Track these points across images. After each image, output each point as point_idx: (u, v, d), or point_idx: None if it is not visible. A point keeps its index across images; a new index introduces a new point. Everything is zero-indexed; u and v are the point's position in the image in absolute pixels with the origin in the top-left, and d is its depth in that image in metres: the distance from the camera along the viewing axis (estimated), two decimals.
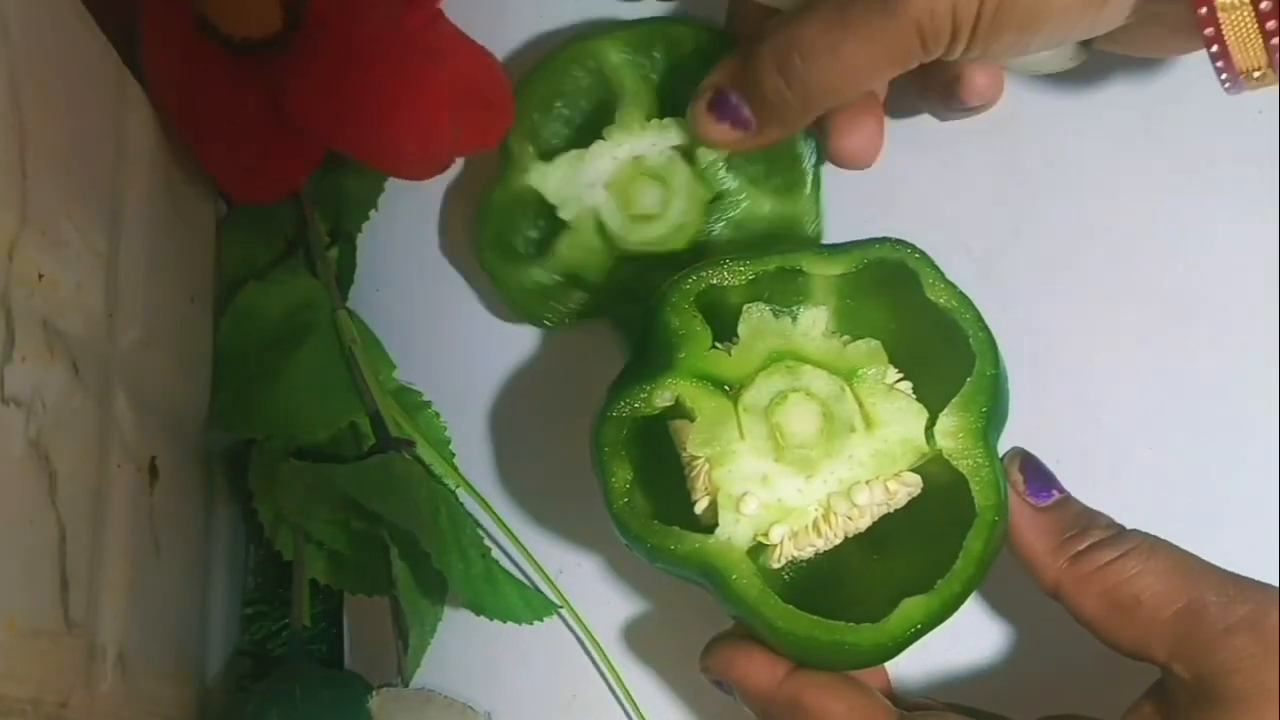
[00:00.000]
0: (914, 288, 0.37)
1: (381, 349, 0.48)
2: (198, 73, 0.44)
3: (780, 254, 0.38)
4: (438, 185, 0.49)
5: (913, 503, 0.37)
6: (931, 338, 0.38)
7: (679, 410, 0.37)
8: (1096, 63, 0.48)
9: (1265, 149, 0.46)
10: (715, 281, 0.38)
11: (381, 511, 0.42)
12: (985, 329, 0.37)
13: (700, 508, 0.37)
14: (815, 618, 0.35)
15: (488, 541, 0.45)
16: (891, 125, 0.48)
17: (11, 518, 0.31)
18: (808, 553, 0.36)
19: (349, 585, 0.46)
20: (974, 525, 0.35)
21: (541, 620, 0.44)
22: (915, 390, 0.37)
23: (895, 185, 0.47)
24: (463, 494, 0.46)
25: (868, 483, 0.36)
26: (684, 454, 0.37)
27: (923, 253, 0.38)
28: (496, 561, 0.44)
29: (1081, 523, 0.36)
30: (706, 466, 0.36)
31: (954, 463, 0.36)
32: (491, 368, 0.48)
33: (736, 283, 0.38)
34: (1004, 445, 0.38)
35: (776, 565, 0.36)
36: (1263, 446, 0.44)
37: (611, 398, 0.38)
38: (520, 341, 0.48)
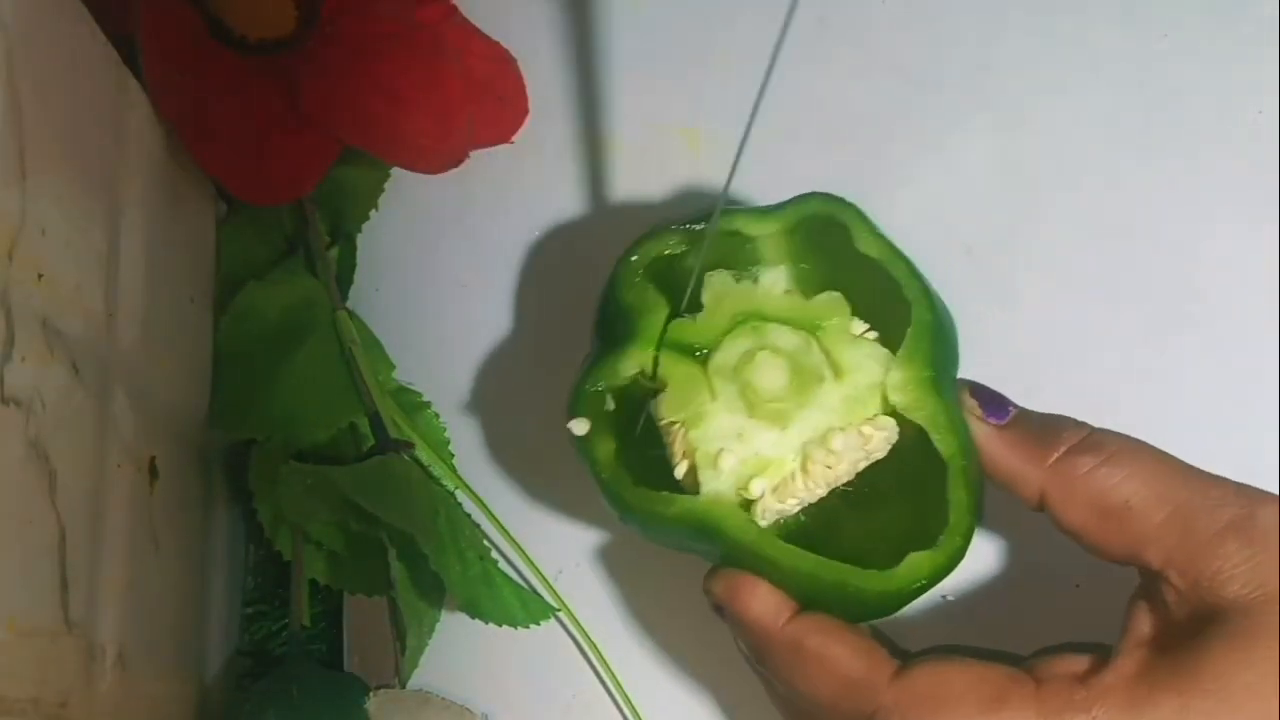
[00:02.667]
0: (846, 239, 0.38)
1: (381, 349, 0.48)
2: (204, 77, 0.44)
3: (718, 217, 0.38)
4: (439, 185, 0.49)
5: (891, 458, 0.37)
6: (880, 289, 0.38)
7: (654, 385, 0.38)
8: (1096, 62, 0.49)
9: (1265, 149, 0.47)
10: (659, 252, 0.38)
11: (380, 513, 0.42)
12: (918, 277, 0.37)
13: (680, 472, 0.37)
14: (820, 557, 0.35)
15: (486, 543, 0.45)
16: (891, 126, 0.48)
17: (11, 518, 0.31)
18: (791, 506, 0.36)
19: (348, 585, 0.46)
20: (949, 475, 0.35)
21: (539, 623, 0.44)
22: (881, 341, 0.37)
23: (896, 185, 0.47)
24: (461, 496, 0.46)
25: (841, 429, 0.36)
26: (660, 423, 0.37)
27: (852, 205, 0.38)
28: (494, 563, 0.44)
29: (1050, 427, 0.36)
30: (682, 430, 0.36)
31: (909, 416, 0.36)
32: (491, 369, 0.48)
33: (678, 250, 0.38)
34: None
35: (763, 523, 0.36)
36: (1263, 446, 0.44)
37: (581, 378, 0.38)
38: (520, 343, 0.48)
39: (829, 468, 0.36)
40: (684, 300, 0.38)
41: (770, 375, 0.36)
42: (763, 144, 0.49)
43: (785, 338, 0.37)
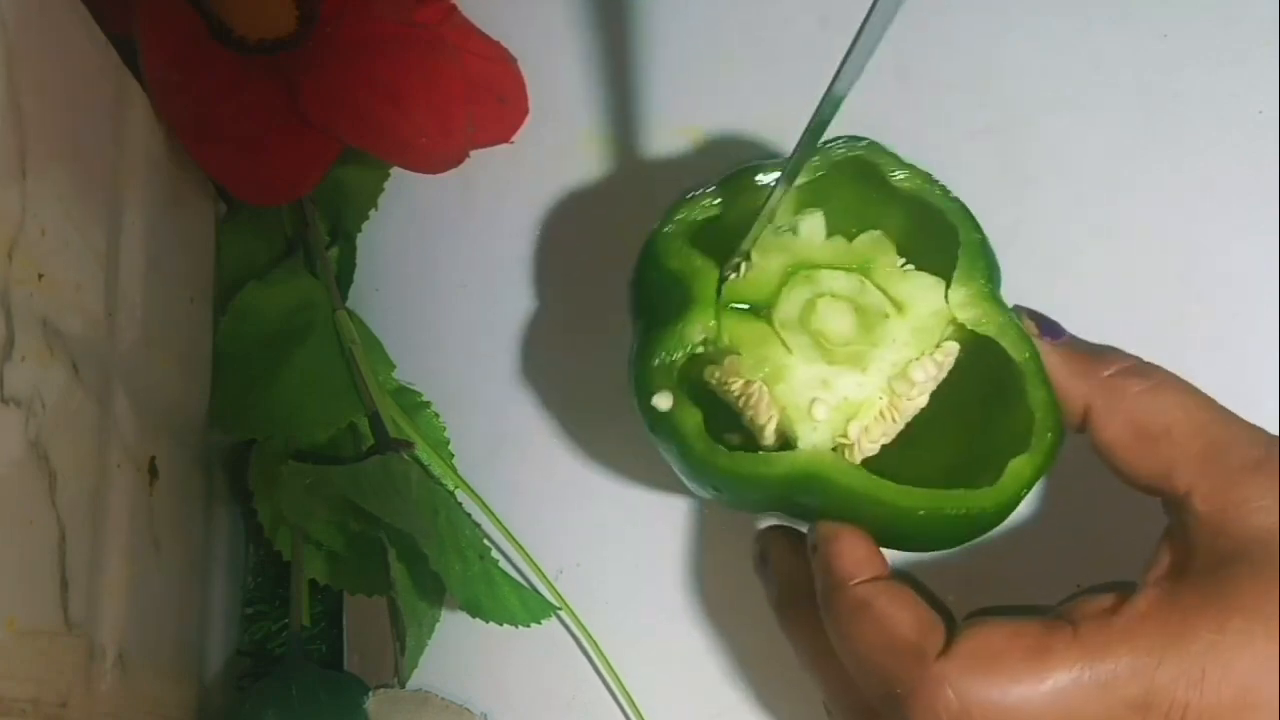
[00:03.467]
0: (882, 180, 0.38)
1: (381, 349, 0.48)
2: (204, 77, 0.44)
3: (743, 173, 0.39)
4: (438, 186, 0.49)
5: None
6: (918, 223, 0.39)
7: (708, 356, 0.37)
8: (1096, 62, 0.49)
9: (1265, 149, 0.47)
10: (693, 217, 0.39)
11: (380, 513, 0.42)
12: (955, 199, 0.38)
13: (769, 430, 0.36)
14: (933, 490, 0.35)
15: (486, 543, 0.45)
16: (891, 126, 0.48)
17: (11, 518, 0.31)
18: (878, 444, 0.37)
19: (348, 585, 0.46)
20: (1027, 378, 0.36)
21: (539, 622, 0.44)
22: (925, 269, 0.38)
23: None
24: (461, 495, 0.46)
25: (918, 359, 0.36)
26: (732, 387, 0.37)
27: (876, 144, 0.38)
28: (495, 563, 0.44)
29: (1102, 350, 0.37)
30: (764, 388, 0.36)
31: (979, 330, 0.37)
32: (491, 368, 0.48)
33: (713, 212, 0.39)
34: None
35: (867, 456, 0.37)
36: None
37: (645, 353, 0.37)
38: (520, 342, 0.48)
39: (910, 400, 0.36)
40: (732, 259, 0.38)
41: (837, 320, 0.37)
42: (763, 143, 0.49)
43: (840, 282, 0.37)
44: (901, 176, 0.38)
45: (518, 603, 0.44)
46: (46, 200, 0.33)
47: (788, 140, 0.46)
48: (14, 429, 0.32)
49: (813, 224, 0.39)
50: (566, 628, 0.46)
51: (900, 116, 0.48)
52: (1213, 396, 0.35)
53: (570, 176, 0.50)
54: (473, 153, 0.48)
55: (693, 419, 0.37)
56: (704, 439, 0.36)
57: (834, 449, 0.36)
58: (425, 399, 0.47)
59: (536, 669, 0.46)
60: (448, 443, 0.47)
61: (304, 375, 0.46)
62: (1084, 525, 0.44)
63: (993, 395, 0.37)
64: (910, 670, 0.33)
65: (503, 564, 0.45)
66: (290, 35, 0.45)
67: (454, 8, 0.47)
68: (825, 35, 0.50)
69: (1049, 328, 0.37)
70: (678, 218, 0.39)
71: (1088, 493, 0.41)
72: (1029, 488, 0.36)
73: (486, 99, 0.47)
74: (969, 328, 0.37)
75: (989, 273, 0.37)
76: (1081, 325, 0.46)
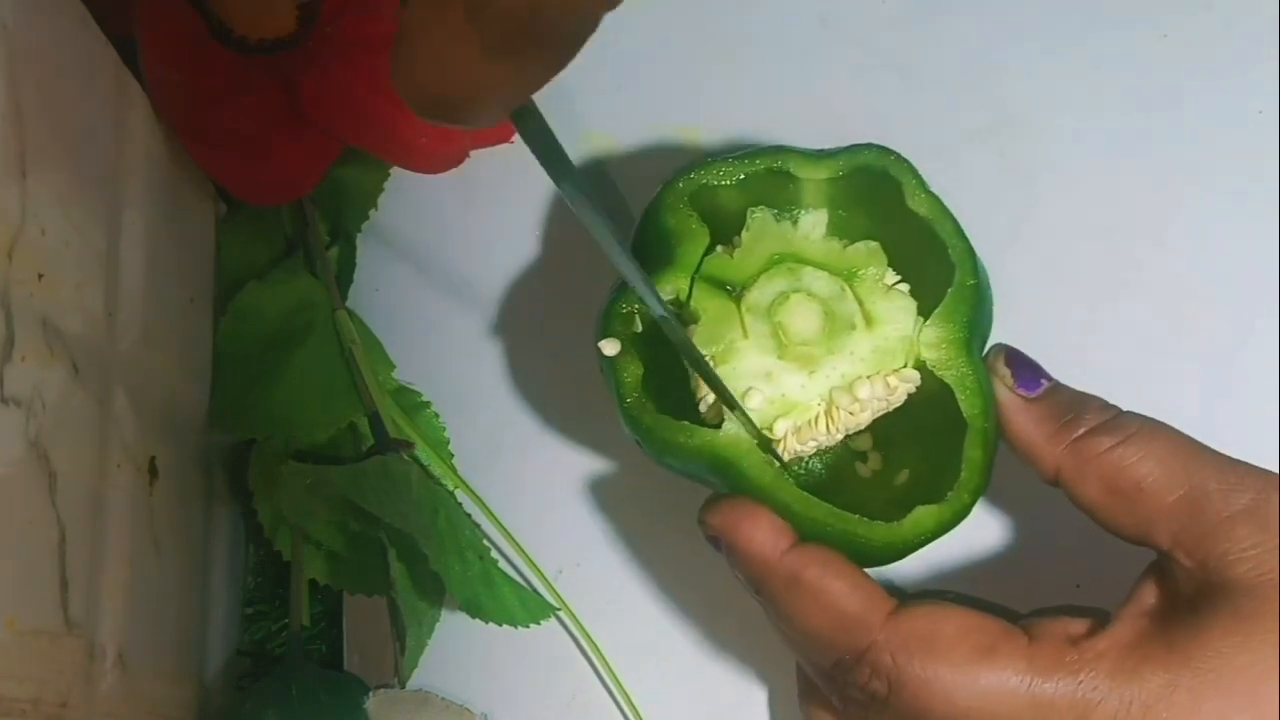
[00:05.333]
0: (899, 196, 0.38)
1: (381, 349, 0.48)
2: (204, 77, 0.44)
3: (768, 155, 0.39)
4: (438, 186, 0.49)
5: (905, 410, 0.37)
6: (921, 246, 0.38)
7: (682, 316, 0.38)
8: (1096, 62, 0.49)
9: (1265, 149, 0.46)
10: (706, 181, 0.38)
11: (379, 513, 0.42)
12: (964, 239, 0.37)
13: (705, 405, 0.37)
14: (831, 506, 0.35)
15: (485, 543, 0.45)
16: (891, 126, 0.48)
17: (11, 518, 0.31)
18: (810, 448, 0.37)
19: (348, 585, 0.46)
20: (969, 434, 0.36)
21: (539, 623, 0.44)
22: (912, 294, 0.38)
23: None
24: (461, 495, 0.46)
25: (869, 377, 0.36)
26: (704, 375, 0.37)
27: (905, 160, 0.38)
28: (494, 563, 0.44)
29: (1076, 407, 0.36)
30: (711, 364, 0.36)
31: (939, 373, 0.36)
32: (491, 368, 0.48)
33: (727, 182, 0.38)
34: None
35: (786, 459, 0.37)
36: (1263, 446, 0.44)
37: (613, 298, 0.38)
38: (520, 342, 0.48)
39: (851, 414, 0.36)
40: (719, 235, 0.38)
41: (803, 319, 0.36)
42: (763, 144, 0.49)
43: (820, 283, 0.37)
44: (919, 200, 0.38)
45: (518, 603, 0.44)
46: (46, 200, 0.33)
47: (788, 140, 0.46)
48: (14, 429, 0.32)
49: (813, 220, 0.38)
50: (566, 628, 0.46)
51: (900, 116, 0.48)
52: (1194, 439, 0.35)
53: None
54: (473, 153, 0.48)
55: (633, 372, 0.37)
56: (637, 392, 0.37)
57: (762, 440, 0.36)
58: (425, 399, 0.47)
59: (536, 669, 0.46)
60: (448, 443, 0.47)
61: (304, 375, 0.46)
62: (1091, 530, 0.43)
63: (955, 430, 0.37)
64: (858, 640, 0.33)
65: (503, 564, 0.45)
66: (290, 35, 0.45)
67: None
68: (825, 35, 0.50)
69: (1025, 377, 0.36)
70: (690, 176, 0.39)
71: None
72: (927, 539, 0.35)
73: None
74: (929, 367, 0.36)
75: (970, 320, 0.37)
76: (1081, 325, 0.46)
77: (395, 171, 0.49)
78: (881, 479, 0.39)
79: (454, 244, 0.49)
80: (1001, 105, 0.48)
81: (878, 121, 0.49)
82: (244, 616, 0.49)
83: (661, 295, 0.37)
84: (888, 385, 0.36)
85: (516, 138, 0.50)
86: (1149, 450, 0.34)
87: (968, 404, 0.36)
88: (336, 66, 0.44)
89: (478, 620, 0.43)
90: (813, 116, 0.49)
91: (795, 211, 0.39)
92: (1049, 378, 0.37)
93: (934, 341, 0.37)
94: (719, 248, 0.38)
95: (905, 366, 0.37)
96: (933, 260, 0.38)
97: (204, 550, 0.46)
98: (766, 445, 0.36)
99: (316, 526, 0.45)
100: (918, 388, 0.37)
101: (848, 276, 0.37)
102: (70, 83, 0.36)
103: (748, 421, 0.36)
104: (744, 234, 0.38)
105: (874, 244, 0.38)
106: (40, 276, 0.33)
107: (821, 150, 0.39)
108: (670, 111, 0.50)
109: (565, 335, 0.48)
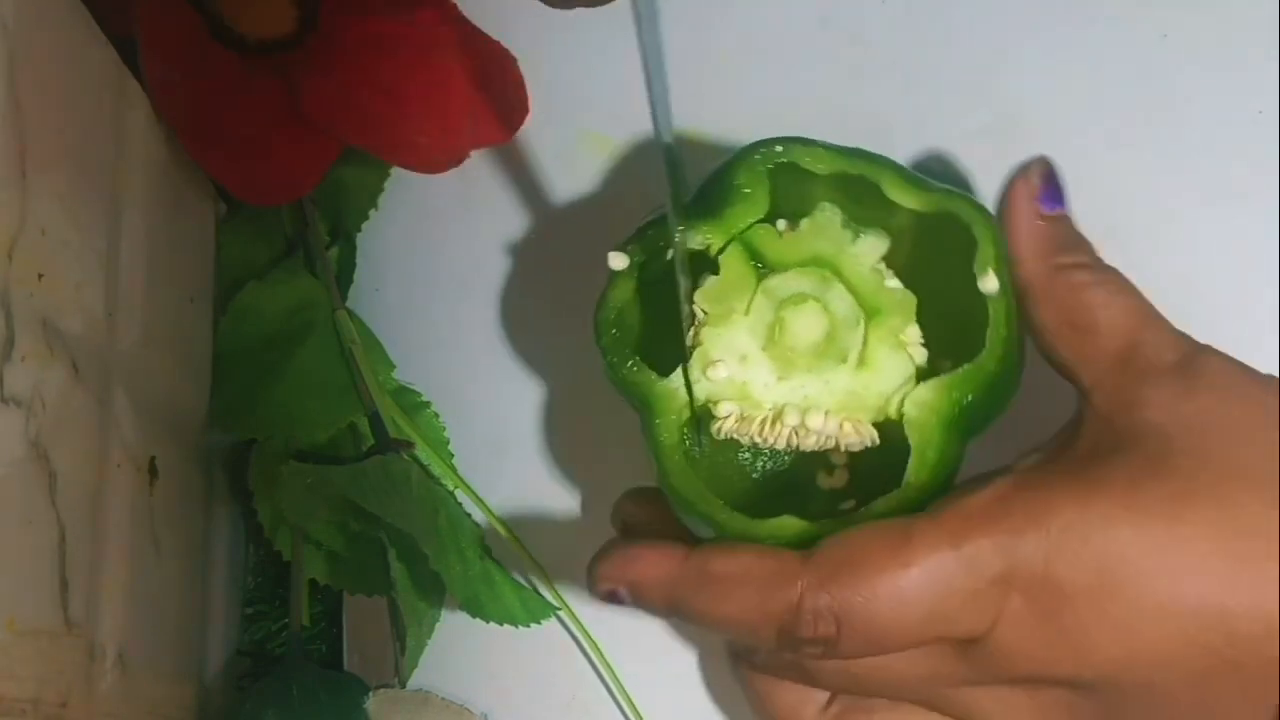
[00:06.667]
0: (970, 256, 0.36)
1: (381, 349, 0.48)
2: (204, 77, 0.44)
3: (872, 163, 0.37)
4: (439, 185, 0.49)
5: (888, 449, 0.36)
6: (967, 307, 0.37)
7: (701, 262, 0.37)
8: (1096, 62, 0.49)
9: (1265, 149, 0.46)
10: (799, 160, 0.37)
11: (379, 513, 0.42)
12: (1009, 327, 0.36)
13: (688, 353, 0.37)
14: (702, 487, 0.35)
15: (486, 543, 0.45)
16: (891, 126, 0.48)
17: (11, 518, 0.31)
18: (745, 439, 0.36)
19: (348, 585, 0.46)
20: (889, 493, 0.35)
21: (539, 622, 0.44)
22: (934, 346, 0.37)
23: None
24: (461, 495, 0.46)
25: (827, 412, 0.36)
26: (688, 306, 0.37)
27: (992, 226, 0.37)
28: (495, 563, 0.44)
29: (1075, 241, 0.37)
30: (703, 320, 0.36)
31: (908, 430, 0.35)
32: (491, 368, 0.48)
33: (819, 170, 0.37)
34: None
35: (717, 436, 0.36)
36: None
37: (647, 222, 0.38)
38: (520, 342, 0.48)
39: (795, 434, 0.36)
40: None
41: (806, 326, 0.36)
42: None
43: (842, 304, 0.36)
44: (988, 269, 0.36)
45: (518, 603, 0.44)
46: (46, 200, 0.33)
47: None
48: (14, 429, 0.32)
49: (872, 245, 0.37)
50: (566, 628, 0.46)
51: (900, 116, 0.48)
52: (1160, 313, 0.36)
53: (570, 176, 0.50)
54: (473, 152, 0.48)
55: (624, 289, 0.37)
56: (617, 309, 0.37)
57: (702, 407, 0.36)
58: (425, 399, 0.47)
59: (536, 669, 0.46)
60: (448, 443, 0.47)
61: (304, 375, 0.46)
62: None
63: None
64: (787, 596, 0.33)
65: (503, 564, 0.45)
66: (290, 35, 0.45)
67: (454, 7, 0.47)
68: (825, 35, 0.50)
69: (1051, 194, 0.37)
70: (783, 148, 0.37)
71: None
72: (785, 544, 0.34)
73: (487, 99, 0.47)
74: (902, 419, 0.35)
75: (969, 404, 0.35)
76: None
77: (395, 171, 0.49)
78: (833, 497, 0.39)
79: (454, 244, 0.49)
80: (1001, 105, 0.48)
81: (878, 121, 0.49)
82: (244, 616, 0.49)
83: (692, 237, 0.37)
84: (840, 428, 0.36)
85: (516, 137, 0.50)
86: (1116, 301, 0.35)
87: (914, 471, 0.35)
88: (336, 66, 0.44)
89: (478, 620, 0.43)
90: (813, 116, 0.49)
91: (861, 227, 0.37)
92: (1068, 206, 0.37)
93: (921, 401, 0.35)
94: (780, 223, 0.37)
95: (867, 420, 0.36)
96: (973, 326, 0.36)
97: (204, 550, 0.46)
98: (692, 411, 0.36)
99: (316, 526, 0.45)
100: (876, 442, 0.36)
101: (871, 310, 0.36)
102: (70, 83, 0.36)
103: (687, 382, 0.36)
104: (804, 223, 0.37)
105: (912, 296, 0.36)
106: (40, 276, 0.33)
107: (922, 179, 0.37)
108: (670, 111, 0.50)
109: (565, 335, 0.48)
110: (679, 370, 0.36)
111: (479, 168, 0.49)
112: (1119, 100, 0.48)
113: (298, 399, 0.45)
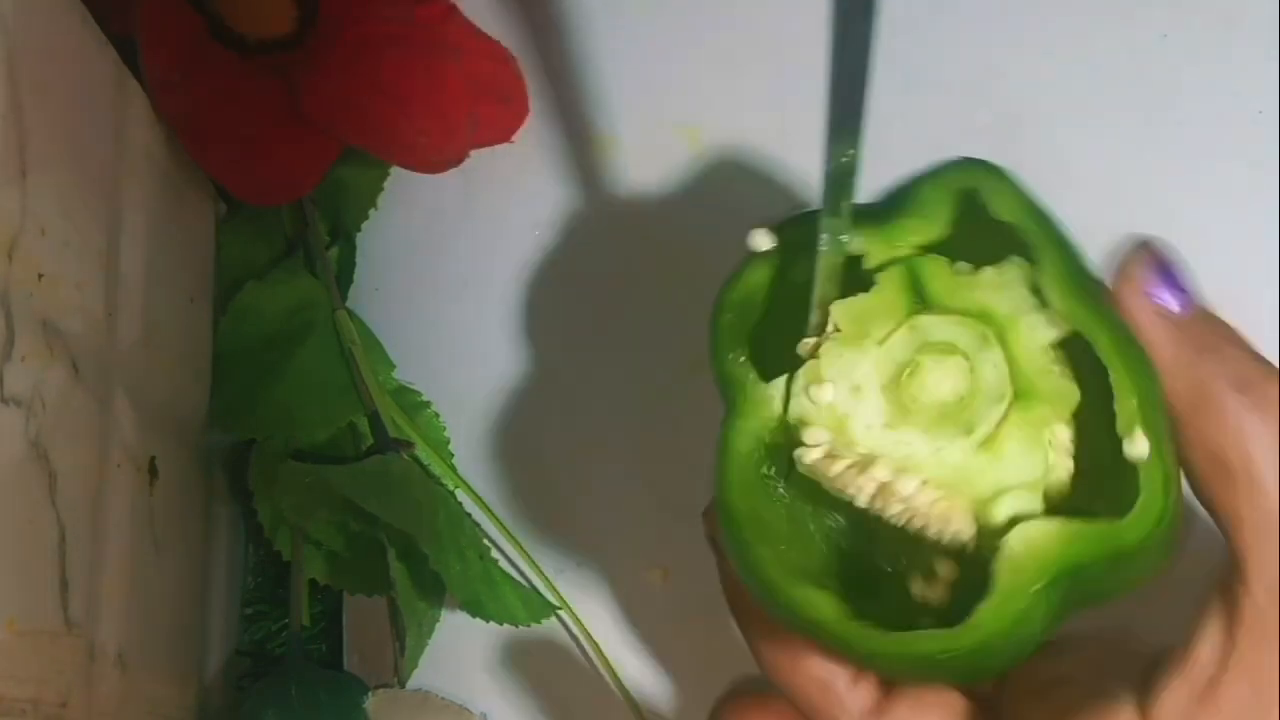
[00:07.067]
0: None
1: (381, 349, 0.48)
2: (204, 77, 0.44)
3: (1041, 229, 0.32)
4: (438, 186, 0.49)
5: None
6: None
7: (852, 272, 0.32)
8: (1096, 62, 0.49)
9: (1265, 149, 0.46)
10: (996, 189, 0.32)
11: (379, 513, 0.42)
12: (1166, 499, 0.29)
13: (804, 353, 0.31)
14: (758, 515, 0.30)
15: (486, 543, 0.45)
16: (891, 126, 0.48)
17: (11, 518, 0.31)
18: (824, 480, 0.31)
19: (348, 585, 0.46)
20: (950, 630, 0.28)
21: (540, 622, 0.44)
22: (1075, 467, 0.30)
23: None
24: (461, 495, 0.46)
25: (925, 481, 0.30)
26: (820, 313, 0.32)
27: (1142, 369, 0.30)
28: (495, 562, 0.44)
29: (1213, 341, 0.29)
30: (830, 333, 0.31)
31: (998, 564, 0.28)
32: (491, 368, 0.48)
33: (997, 209, 0.32)
34: None
35: (800, 466, 0.31)
36: None
37: (802, 212, 0.32)
38: (520, 343, 0.48)
39: (880, 494, 0.30)
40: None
41: (941, 381, 0.30)
42: (764, 144, 0.49)
43: (993, 372, 0.30)
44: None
45: (518, 602, 0.44)
46: (46, 200, 0.33)
47: (788, 140, 0.46)
48: (14, 429, 0.32)
49: (1042, 323, 0.31)
50: (566, 628, 0.46)
51: (900, 116, 0.48)
52: None
53: (570, 176, 0.50)
54: (473, 152, 0.48)
55: (758, 275, 0.32)
56: (743, 296, 0.32)
57: (794, 426, 0.31)
58: (425, 399, 0.47)
59: (536, 669, 0.46)
60: (448, 443, 0.47)
61: (304, 375, 0.46)
62: None
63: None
64: None
65: (503, 564, 0.45)
66: (290, 35, 0.45)
67: (454, 8, 0.47)
68: (825, 35, 0.50)
69: (1168, 285, 0.29)
70: (991, 173, 0.33)
71: None
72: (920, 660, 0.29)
73: (487, 99, 0.47)
74: (1005, 526, 0.29)
75: (1096, 591, 0.29)
76: None
77: (395, 171, 0.49)
78: (919, 610, 0.31)
79: (454, 244, 0.49)
80: (1002, 105, 0.48)
81: (878, 121, 0.49)
82: (244, 616, 0.49)
83: (856, 242, 0.31)
84: (932, 505, 0.30)
85: (517, 138, 0.50)
86: (1265, 429, 0.27)
87: (983, 616, 0.28)
88: (336, 66, 0.44)
89: (478, 620, 0.43)
90: (813, 117, 0.49)
91: (1038, 301, 0.31)
92: (1193, 297, 0.29)
93: (1030, 539, 0.28)
94: (961, 264, 0.31)
95: (967, 511, 0.30)
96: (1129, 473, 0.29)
97: (204, 550, 0.46)
98: (780, 429, 0.31)
99: (316, 526, 0.45)
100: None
101: (1022, 391, 0.30)
102: (70, 83, 0.36)
103: (786, 396, 0.31)
104: (986, 270, 0.31)
105: (1076, 392, 0.30)
106: (40, 276, 0.33)
107: (1091, 275, 0.32)
108: (670, 111, 0.50)
109: (566, 335, 0.48)
110: (783, 379, 0.31)
111: (479, 168, 0.49)
112: (1119, 100, 0.48)
113: (298, 399, 0.45)
